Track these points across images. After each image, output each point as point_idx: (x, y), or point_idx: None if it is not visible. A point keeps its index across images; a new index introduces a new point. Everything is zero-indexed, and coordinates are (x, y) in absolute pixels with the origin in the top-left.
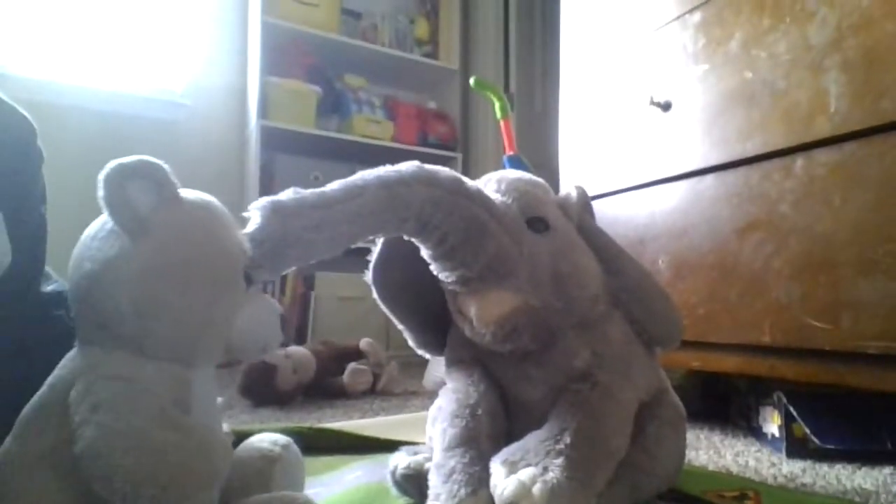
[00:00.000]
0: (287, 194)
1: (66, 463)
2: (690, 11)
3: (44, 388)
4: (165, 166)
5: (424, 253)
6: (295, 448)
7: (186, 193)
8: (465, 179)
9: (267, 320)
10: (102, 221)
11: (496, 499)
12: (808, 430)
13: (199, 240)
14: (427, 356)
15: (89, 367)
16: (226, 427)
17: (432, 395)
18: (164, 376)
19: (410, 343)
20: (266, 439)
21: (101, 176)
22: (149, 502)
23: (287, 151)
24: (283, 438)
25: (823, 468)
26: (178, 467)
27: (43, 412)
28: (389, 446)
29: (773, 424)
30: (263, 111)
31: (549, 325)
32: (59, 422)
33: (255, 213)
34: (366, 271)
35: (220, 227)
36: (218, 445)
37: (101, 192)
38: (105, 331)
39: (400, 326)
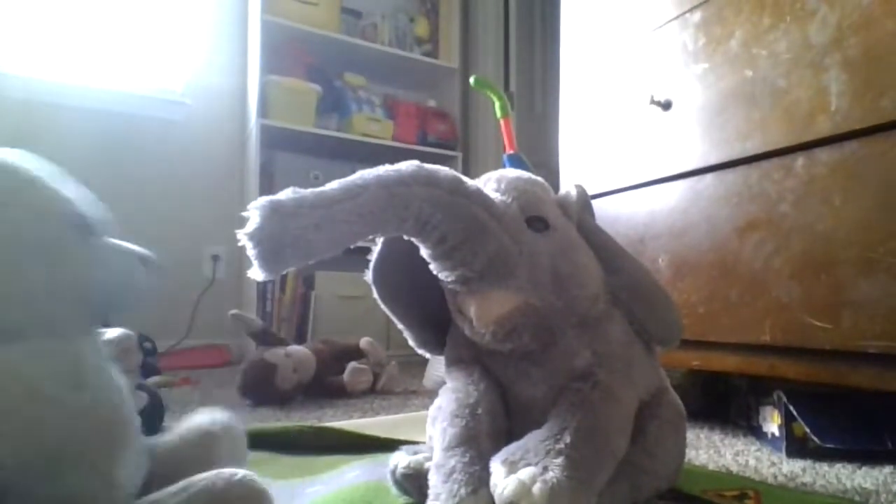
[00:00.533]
0: (286, 194)
1: None
2: (691, 10)
3: None
4: None
5: (424, 252)
6: (236, 423)
7: None
8: (465, 179)
9: (122, 266)
10: None
11: (496, 498)
12: (808, 430)
13: None
14: (427, 355)
15: None
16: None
17: (432, 394)
18: (37, 354)
19: (410, 342)
20: (206, 415)
21: None
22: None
23: (287, 150)
24: (222, 414)
25: (823, 467)
26: (62, 440)
27: None
28: (389, 445)
29: (773, 424)
30: (263, 110)
31: (550, 324)
32: None
33: (253, 213)
34: (366, 271)
35: (26, 187)
36: (110, 412)
37: None
38: None
39: (400, 326)
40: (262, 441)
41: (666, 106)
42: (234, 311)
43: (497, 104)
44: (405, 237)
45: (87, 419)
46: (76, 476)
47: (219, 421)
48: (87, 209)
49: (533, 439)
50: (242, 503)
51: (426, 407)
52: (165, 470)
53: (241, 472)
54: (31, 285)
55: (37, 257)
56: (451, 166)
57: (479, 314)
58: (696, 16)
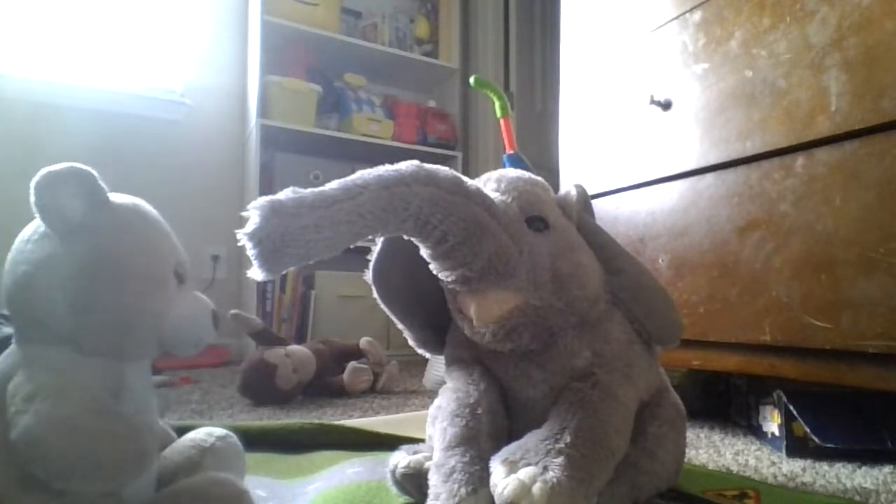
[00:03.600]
0: (286, 194)
1: (2, 448)
2: (691, 10)
3: None
4: (94, 173)
5: (424, 252)
6: (233, 440)
7: (117, 198)
8: (465, 179)
9: (198, 316)
10: (35, 226)
11: (496, 498)
12: (808, 429)
13: (127, 240)
14: (427, 355)
15: (27, 362)
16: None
17: (432, 394)
18: (98, 369)
19: (410, 342)
20: (202, 431)
21: (33, 183)
22: (83, 479)
23: (287, 150)
24: (220, 431)
25: (823, 467)
26: (109, 449)
27: None
28: (390, 445)
29: (773, 423)
30: (263, 110)
31: (549, 324)
32: None
33: (253, 213)
34: (366, 270)
35: (150, 229)
36: (146, 430)
37: (32, 198)
38: (42, 328)
39: (400, 325)
40: (262, 440)
41: (666, 106)
42: (234, 311)
43: (497, 104)
44: (405, 237)
45: (120, 434)
46: (83, 483)
47: (213, 434)
48: (184, 260)
49: (533, 439)
50: (222, 501)
51: (426, 407)
52: (158, 476)
53: (223, 475)
54: (126, 308)
55: (140, 288)
56: (451, 166)
57: (479, 314)
58: (696, 16)
